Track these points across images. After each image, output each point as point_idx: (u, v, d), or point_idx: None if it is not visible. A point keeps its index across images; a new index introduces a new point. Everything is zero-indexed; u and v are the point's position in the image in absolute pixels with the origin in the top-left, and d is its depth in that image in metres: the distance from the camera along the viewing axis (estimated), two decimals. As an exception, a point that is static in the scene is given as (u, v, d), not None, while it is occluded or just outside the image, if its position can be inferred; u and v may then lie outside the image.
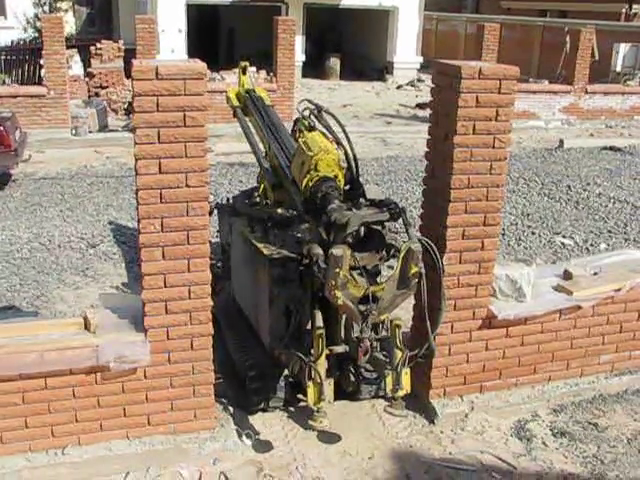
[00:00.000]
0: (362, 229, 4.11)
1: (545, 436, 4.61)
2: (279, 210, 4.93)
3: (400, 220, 4.15)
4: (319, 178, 4.26)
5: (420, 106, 17.55)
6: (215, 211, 6.16)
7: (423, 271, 3.98)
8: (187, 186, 3.81)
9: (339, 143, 4.44)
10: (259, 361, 4.67)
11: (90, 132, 13.28)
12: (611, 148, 13.91)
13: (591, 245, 8.23)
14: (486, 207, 4.39)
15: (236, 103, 5.75)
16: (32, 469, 4.02)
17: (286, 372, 4.55)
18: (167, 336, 4.05)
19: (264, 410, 4.64)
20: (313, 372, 4.12)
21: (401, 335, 4.23)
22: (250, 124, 5.60)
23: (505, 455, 4.40)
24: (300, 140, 4.49)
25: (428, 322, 4.20)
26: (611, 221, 9.17)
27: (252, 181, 10.48)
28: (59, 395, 4.02)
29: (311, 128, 4.59)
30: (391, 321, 4.25)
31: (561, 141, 14.19)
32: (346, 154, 4.38)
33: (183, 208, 3.84)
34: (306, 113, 4.67)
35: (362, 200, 4.17)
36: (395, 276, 3.95)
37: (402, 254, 3.90)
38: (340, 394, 4.44)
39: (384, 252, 4.16)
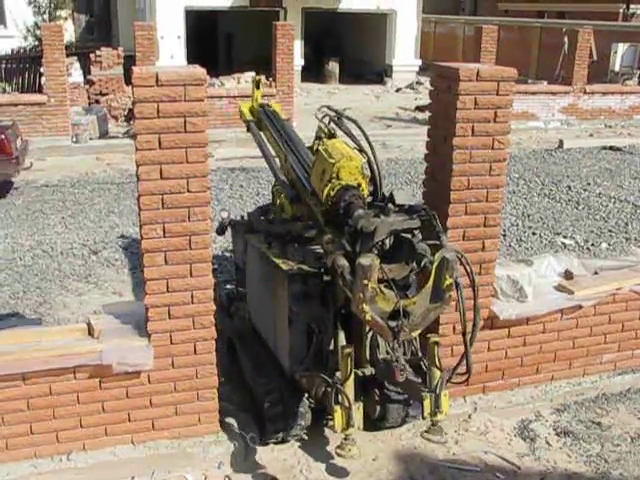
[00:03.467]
0: (389, 238, 3.78)
1: (548, 436, 4.61)
2: (298, 225, 4.65)
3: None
4: (341, 187, 3.95)
5: (419, 109, 17.58)
6: (229, 229, 5.85)
7: (460, 281, 3.70)
8: (188, 191, 3.83)
9: (362, 150, 4.16)
10: (277, 387, 4.37)
11: (91, 139, 13.33)
12: (611, 148, 13.93)
13: (592, 245, 8.24)
14: (486, 208, 4.41)
15: (249, 117, 5.59)
16: (38, 475, 4.04)
17: (307, 397, 4.28)
18: (170, 341, 4.07)
19: (283, 440, 4.36)
20: (340, 395, 3.83)
21: (439, 353, 3.93)
22: (265, 138, 5.40)
23: (509, 455, 4.41)
24: (320, 147, 4.20)
25: (466, 338, 3.89)
26: (612, 221, 9.18)
27: (253, 186, 10.54)
28: (63, 401, 4.04)
29: (331, 135, 4.36)
30: (427, 338, 3.91)
31: (561, 141, 14.22)
32: (369, 162, 4.09)
33: (185, 213, 3.86)
34: (326, 120, 4.43)
35: (390, 206, 3.82)
36: (428, 288, 3.61)
37: (435, 264, 3.57)
38: (365, 422, 4.12)
39: (414, 263, 3.75)
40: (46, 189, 10.42)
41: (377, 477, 4.18)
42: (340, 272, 3.64)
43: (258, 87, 5.76)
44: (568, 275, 5.10)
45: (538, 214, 9.41)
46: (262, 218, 5.23)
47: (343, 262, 3.65)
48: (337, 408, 3.82)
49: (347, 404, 3.81)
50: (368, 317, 3.56)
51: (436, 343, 3.91)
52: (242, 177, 11.13)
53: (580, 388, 5.12)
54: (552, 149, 13.92)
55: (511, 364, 4.91)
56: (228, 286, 6.30)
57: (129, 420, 4.19)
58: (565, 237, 8.51)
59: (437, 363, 3.88)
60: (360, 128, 4.19)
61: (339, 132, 4.42)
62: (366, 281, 3.47)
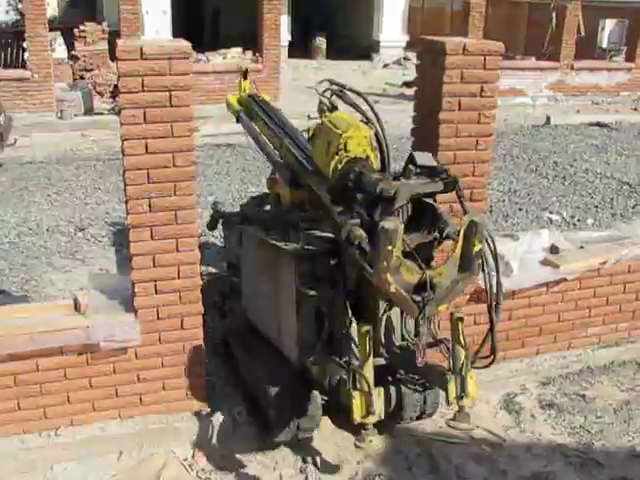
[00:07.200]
0: (409, 204, 3.44)
1: (533, 408, 4.67)
2: (296, 214, 4.33)
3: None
4: (349, 159, 3.64)
5: (407, 84, 17.50)
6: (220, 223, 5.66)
7: (487, 250, 3.38)
8: (174, 166, 3.82)
9: (368, 121, 3.84)
10: (284, 387, 4.01)
11: (76, 115, 13.19)
12: (598, 124, 13.93)
13: (578, 220, 8.28)
14: (473, 182, 4.41)
15: (238, 107, 5.40)
16: (26, 451, 4.05)
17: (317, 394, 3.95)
18: (157, 316, 4.07)
19: (294, 439, 4.04)
20: (359, 380, 3.47)
21: (464, 330, 3.62)
22: (257, 127, 5.13)
23: (494, 428, 4.46)
24: (324, 119, 3.92)
25: (492, 317, 3.61)
26: (598, 196, 9.21)
27: (239, 161, 10.51)
28: (51, 377, 4.05)
29: (333, 108, 4.07)
30: (451, 313, 3.61)
31: (548, 118, 14.20)
32: (376, 133, 3.78)
33: (170, 188, 3.85)
34: (327, 94, 4.14)
35: (411, 167, 3.46)
36: (455, 257, 3.26)
37: (463, 229, 3.22)
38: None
39: (437, 232, 3.43)
40: (31, 166, 10.32)
41: (364, 450, 4.20)
42: (357, 244, 3.28)
43: (245, 77, 5.56)
44: (554, 249, 5.13)
45: (525, 190, 9.44)
46: (257, 209, 5.02)
47: (360, 232, 3.31)
48: (355, 394, 3.48)
49: (367, 389, 3.46)
50: (392, 289, 3.17)
51: (460, 319, 3.59)
52: (228, 153, 11.08)
53: (565, 361, 5.18)
54: (539, 125, 13.91)
55: (497, 338, 4.94)
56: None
57: (117, 395, 4.21)
58: (551, 213, 8.54)
59: (462, 341, 3.56)
60: (366, 100, 3.90)
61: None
62: (390, 247, 3.09)
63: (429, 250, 3.46)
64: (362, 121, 3.84)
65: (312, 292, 3.74)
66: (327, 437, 4.28)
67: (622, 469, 4.13)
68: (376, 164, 3.75)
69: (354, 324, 3.64)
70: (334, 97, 4.09)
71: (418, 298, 3.23)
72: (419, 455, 4.20)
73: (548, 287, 4.97)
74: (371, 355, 3.52)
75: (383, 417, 3.65)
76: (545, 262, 4.98)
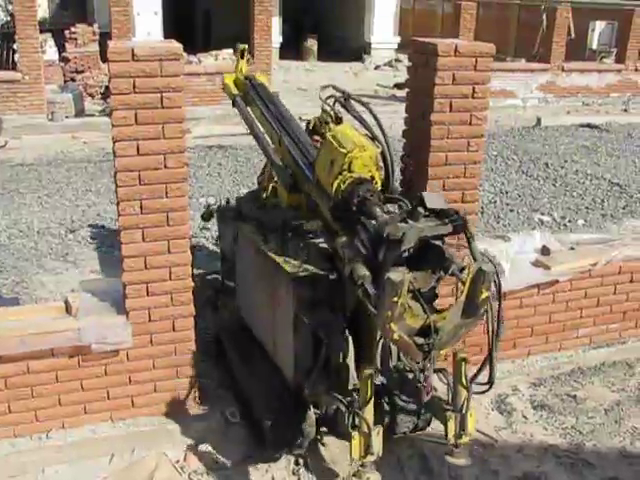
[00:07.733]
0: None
1: (525, 409, 4.68)
2: (294, 215, 4.22)
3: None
4: (353, 180, 3.51)
5: (398, 86, 17.53)
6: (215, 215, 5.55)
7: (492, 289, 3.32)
8: (166, 167, 3.81)
9: (374, 138, 3.76)
10: (279, 403, 4.02)
11: (67, 117, 13.13)
12: (588, 125, 13.99)
13: (569, 221, 8.31)
14: (464, 184, 4.42)
15: (235, 91, 5.03)
16: (17, 454, 4.03)
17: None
18: (149, 318, 4.07)
19: (289, 451, 4.06)
20: (359, 420, 3.48)
21: (467, 371, 3.61)
22: (254, 115, 4.84)
23: (486, 429, 4.46)
24: (328, 134, 3.75)
25: (492, 350, 3.55)
26: (588, 197, 9.26)
27: (231, 163, 10.50)
28: (42, 379, 4.04)
29: (338, 119, 3.95)
30: (454, 354, 3.62)
31: (538, 119, 14.25)
32: (383, 153, 3.71)
33: (162, 190, 3.84)
34: (330, 101, 3.99)
35: (420, 209, 3.37)
36: (460, 303, 3.22)
37: (471, 276, 3.15)
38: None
39: (442, 271, 3.37)
40: (21, 168, 10.28)
41: (356, 451, 4.20)
42: (360, 283, 3.23)
43: (243, 56, 5.32)
44: (545, 251, 5.15)
45: (516, 191, 9.47)
46: (252, 205, 4.83)
47: (364, 272, 3.24)
48: (355, 434, 3.45)
49: (366, 430, 3.45)
50: (396, 336, 3.16)
51: (463, 360, 3.59)
52: (220, 155, 11.06)
53: (556, 362, 5.20)
54: (530, 127, 13.96)
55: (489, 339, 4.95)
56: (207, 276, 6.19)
57: (108, 398, 4.20)
58: (542, 214, 8.58)
59: (464, 381, 3.57)
60: (371, 112, 3.85)
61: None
62: (396, 298, 3.05)
63: (433, 289, 3.40)
64: (367, 135, 3.76)
65: (311, 318, 3.69)
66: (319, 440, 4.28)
67: (613, 469, 4.15)
68: (380, 183, 3.67)
69: (349, 352, 3.68)
70: (337, 106, 3.97)
71: (421, 341, 3.18)
72: (411, 456, 4.20)
73: (539, 288, 4.98)
74: (372, 398, 3.50)
75: (381, 455, 3.59)
76: (536, 263, 5.01)
